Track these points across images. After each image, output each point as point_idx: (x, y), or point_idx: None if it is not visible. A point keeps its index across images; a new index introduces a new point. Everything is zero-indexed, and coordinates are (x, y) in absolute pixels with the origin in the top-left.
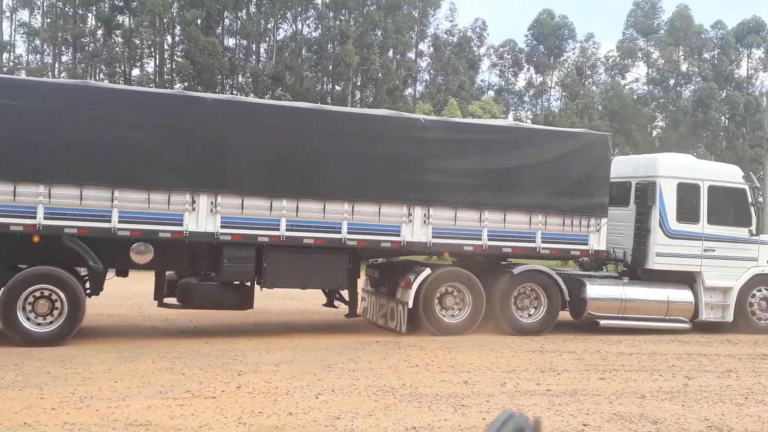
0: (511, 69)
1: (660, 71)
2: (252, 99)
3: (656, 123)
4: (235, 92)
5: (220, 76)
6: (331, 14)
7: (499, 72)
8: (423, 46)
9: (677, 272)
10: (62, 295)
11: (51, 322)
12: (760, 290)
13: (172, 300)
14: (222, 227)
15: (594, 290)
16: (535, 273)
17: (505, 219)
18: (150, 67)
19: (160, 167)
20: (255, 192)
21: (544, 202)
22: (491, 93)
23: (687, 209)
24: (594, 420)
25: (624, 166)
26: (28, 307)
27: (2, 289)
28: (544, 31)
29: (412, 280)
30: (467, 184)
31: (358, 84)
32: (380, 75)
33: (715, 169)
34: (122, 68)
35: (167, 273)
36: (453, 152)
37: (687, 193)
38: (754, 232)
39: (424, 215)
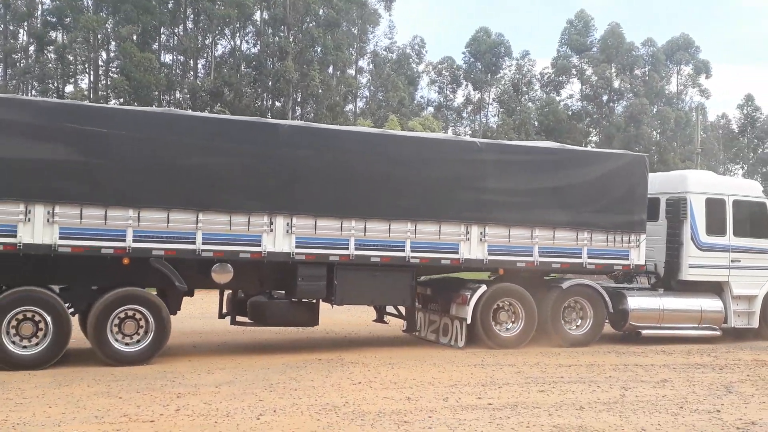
0: (449, 85)
1: (593, 87)
2: (324, 125)
3: (590, 138)
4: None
5: (156, 92)
6: (270, 30)
7: (437, 88)
8: (363, 63)
9: (706, 282)
10: (149, 314)
11: (138, 341)
12: None
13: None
14: (297, 247)
15: (635, 302)
16: (583, 287)
17: (554, 236)
18: (84, 83)
19: (240, 191)
20: (326, 213)
21: (588, 219)
22: (431, 109)
23: (714, 223)
24: None
25: (652, 183)
26: (115, 329)
27: (92, 311)
28: (480, 49)
29: (469, 296)
30: (519, 203)
31: (299, 100)
32: (320, 91)
33: (738, 184)
34: (55, 84)
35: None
36: (505, 173)
37: (714, 207)
38: None
39: (481, 233)
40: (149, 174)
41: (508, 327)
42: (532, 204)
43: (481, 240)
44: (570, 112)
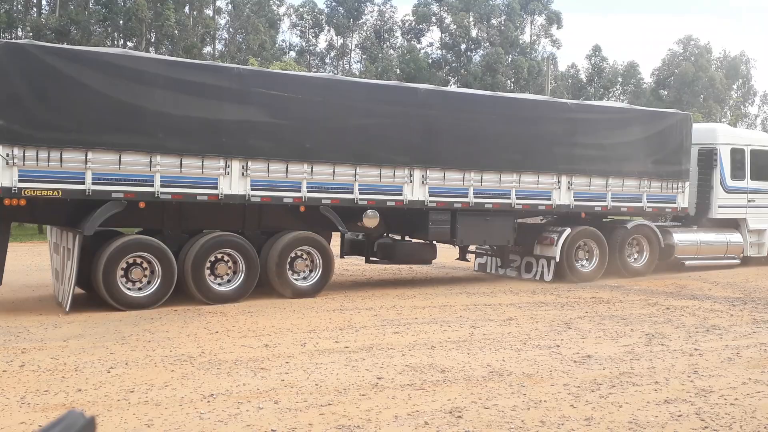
0: (311, 30)
1: (452, 36)
2: (453, 89)
3: (450, 87)
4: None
5: None
6: None
7: (299, 33)
8: (221, 3)
9: (728, 219)
10: (317, 254)
11: (305, 278)
12: None
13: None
14: (430, 195)
15: (679, 237)
16: (642, 227)
17: (623, 184)
18: None
19: (388, 147)
20: (453, 166)
21: (649, 169)
22: (293, 53)
23: (737, 169)
24: (387, 373)
25: None
26: (290, 267)
27: (273, 252)
28: None
29: (556, 238)
30: (599, 156)
31: (153, 41)
32: (176, 32)
33: (754, 137)
34: None
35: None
36: (589, 130)
37: (737, 156)
38: None
39: (569, 182)
40: (320, 132)
41: (584, 264)
42: (608, 157)
43: (569, 188)
44: (430, 60)
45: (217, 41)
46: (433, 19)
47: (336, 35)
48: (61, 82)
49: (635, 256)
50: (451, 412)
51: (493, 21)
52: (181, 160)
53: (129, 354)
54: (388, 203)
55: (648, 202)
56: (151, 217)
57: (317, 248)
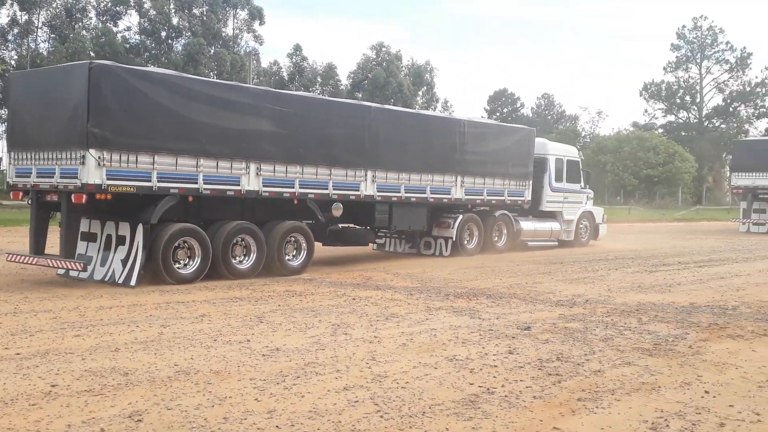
0: None
1: (152, 22)
2: (393, 108)
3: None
4: None
5: None
6: None
7: None
8: None
9: (551, 211)
10: (303, 240)
11: (295, 257)
12: (583, 221)
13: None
14: (377, 191)
15: (523, 224)
16: (504, 215)
17: (494, 182)
18: None
19: (350, 152)
20: (392, 168)
21: (510, 171)
22: None
23: (558, 174)
24: (63, 379)
25: None
26: (285, 250)
27: (273, 237)
28: None
29: (452, 222)
30: (480, 161)
31: None
32: None
33: (569, 150)
34: None
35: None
36: (474, 141)
37: (558, 164)
38: (583, 186)
39: (462, 181)
40: (309, 141)
41: (471, 243)
42: (485, 161)
43: (462, 186)
44: (128, 45)
45: None
46: (132, 2)
47: (20, 10)
48: (137, 97)
49: (496, 237)
50: (130, 416)
51: (195, 10)
52: (217, 162)
53: None
54: (351, 197)
55: (508, 196)
56: (190, 210)
57: (304, 235)
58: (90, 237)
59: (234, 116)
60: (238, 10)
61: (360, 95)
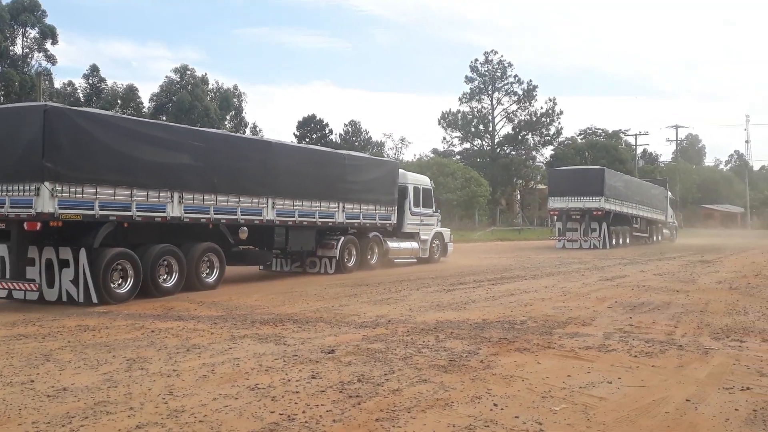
0: None
1: None
2: (292, 144)
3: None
4: None
5: None
6: None
7: None
8: None
9: (411, 233)
10: (216, 260)
11: (208, 274)
12: (435, 241)
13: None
14: (276, 216)
15: (391, 244)
16: (377, 236)
17: (368, 208)
18: None
19: (254, 183)
20: (288, 196)
21: (380, 198)
22: None
23: (416, 199)
24: None
25: None
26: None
27: (191, 258)
28: None
29: (336, 243)
30: (357, 189)
31: None
32: None
33: (423, 179)
34: None
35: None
36: (353, 172)
37: (416, 191)
38: (434, 210)
39: (343, 207)
40: (221, 172)
41: (349, 260)
42: (361, 190)
43: (343, 211)
44: None
45: None
46: None
47: None
48: (83, 136)
49: (370, 256)
50: None
51: None
52: (147, 192)
53: None
54: (255, 221)
55: (379, 219)
56: (121, 234)
57: (217, 255)
58: (29, 262)
59: (161, 151)
60: (28, 29)
61: (164, 118)
